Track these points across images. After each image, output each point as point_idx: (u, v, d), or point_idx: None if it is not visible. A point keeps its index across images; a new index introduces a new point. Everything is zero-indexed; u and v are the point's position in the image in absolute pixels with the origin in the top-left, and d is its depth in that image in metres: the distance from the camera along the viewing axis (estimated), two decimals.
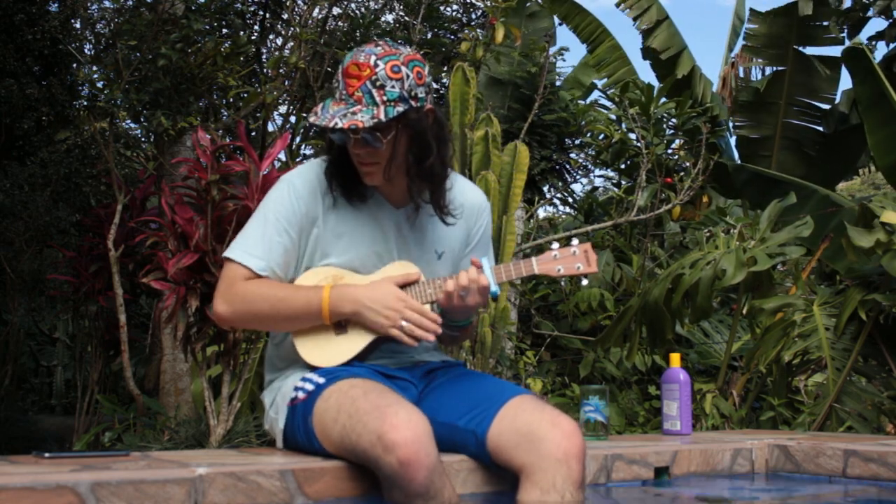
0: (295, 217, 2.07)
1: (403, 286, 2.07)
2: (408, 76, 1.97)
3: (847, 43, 6.09)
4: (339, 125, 1.93)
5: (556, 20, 7.48)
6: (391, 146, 1.99)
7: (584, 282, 2.20)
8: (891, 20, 6.01)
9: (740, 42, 6.94)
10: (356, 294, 2.01)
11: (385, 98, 1.95)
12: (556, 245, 2.13)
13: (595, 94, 7.89)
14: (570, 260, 2.11)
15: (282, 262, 2.07)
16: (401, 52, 2.00)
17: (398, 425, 1.72)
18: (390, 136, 1.98)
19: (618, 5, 6.85)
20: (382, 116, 1.94)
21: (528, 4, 7.55)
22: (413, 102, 1.98)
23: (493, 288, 2.05)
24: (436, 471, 1.74)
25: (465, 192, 2.24)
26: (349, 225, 2.10)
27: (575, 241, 2.15)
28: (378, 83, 1.95)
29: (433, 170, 2.05)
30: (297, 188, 2.09)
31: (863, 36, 6.85)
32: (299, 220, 2.08)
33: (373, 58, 1.97)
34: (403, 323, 1.99)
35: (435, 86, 6.78)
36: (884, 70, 6.05)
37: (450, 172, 2.14)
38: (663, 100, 5.83)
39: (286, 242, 2.07)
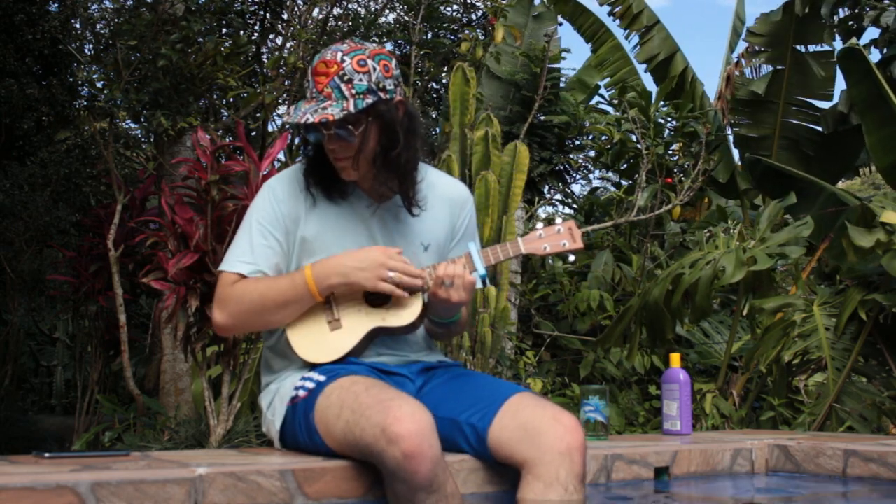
0: (278, 220, 2.11)
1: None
2: (374, 69, 2.02)
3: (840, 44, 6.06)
4: (311, 120, 1.97)
5: (559, 21, 7.47)
6: (361, 138, 2.03)
7: (571, 258, 2.24)
8: (882, 28, 6.01)
9: (741, 42, 6.93)
10: (339, 261, 2.04)
11: (353, 91, 1.99)
12: (540, 225, 2.18)
13: (595, 97, 7.88)
14: (555, 237, 2.15)
15: (271, 265, 2.10)
16: (366, 47, 2.06)
17: (402, 418, 1.73)
18: (361, 129, 2.02)
19: (610, 14, 6.85)
20: (352, 108, 1.98)
21: (536, 3, 7.54)
22: (382, 94, 2.02)
23: (482, 271, 2.07)
24: (439, 464, 1.74)
25: (445, 184, 2.27)
26: (333, 222, 2.13)
27: (558, 220, 2.18)
28: (346, 77, 1.99)
29: (399, 160, 2.08)
30: (276, 192, 2.13)
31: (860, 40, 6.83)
32: (283, 223, 2.11)
33: (339, 54, 2.02)
34: (391, 274, 2.01)
35: (435, 86, 6.80)
36: (881, 72, 6.05)
37: (420, 165, 2.17)
38: (662, 104, 5.83)
39: (273, 245, 2.10)
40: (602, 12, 7.02)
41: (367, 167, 2.08)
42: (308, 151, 2.13)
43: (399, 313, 2.10)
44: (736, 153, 6.75)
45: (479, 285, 2.11)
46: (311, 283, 2.03)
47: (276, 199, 2.12)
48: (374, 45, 2.09)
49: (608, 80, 7.11)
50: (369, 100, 2.00)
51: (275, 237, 2.10)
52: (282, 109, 5.32)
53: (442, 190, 2.24)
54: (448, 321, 2.18)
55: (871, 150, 5.23)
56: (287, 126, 2.14)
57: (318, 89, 2.01)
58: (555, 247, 2.15)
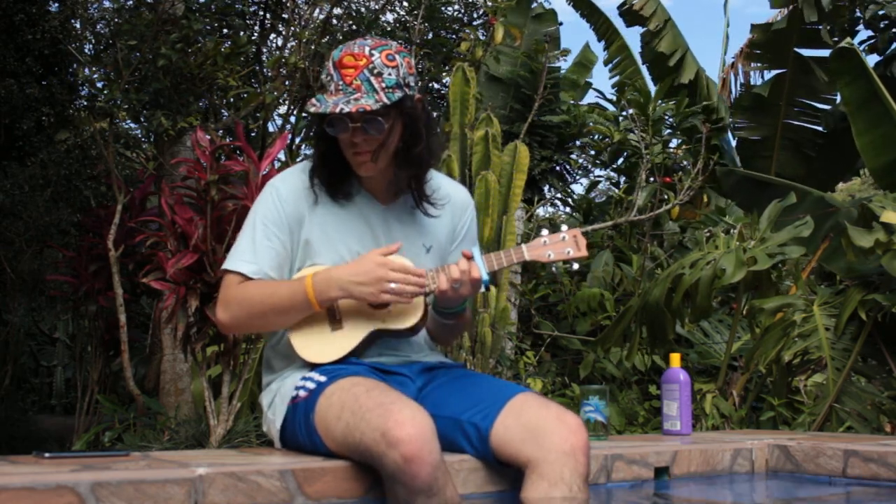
0: (281, 220, 2.11)
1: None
2: (401, 64, 2.04)
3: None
4: (346, 110, 1.96)
5: (559, 21, 7.48)
6: (388, 133, 2.04)
7: (576, 266, 2.24)
8: (878, 31, 6.03)
9: (737, 45, 6.97)
10: (339, 275, 2.03)
11: (383, 85, 2.00)
12: (545, 231, 2.17)
13: (592, 97, 7.91)
14: (560, 245, 2.14)
15: (274, 265, 2.10)
16: (390, 43, 2.09)
17: (402, 422, 1.73)
18: (388, 123, 2.03)
19: (619, 8, 6.84)
20: (386, 100, 1.99)
21: (533, 5, 7.54)
22: (407, 90, 2.04)
23: (485, 277, 2.07)
24: (439, 468, 1.75)
25: (449, 187, 2.29)
26: (336, 223, 2.13)
27: (564, 227, 2.18)
28: (375, 71, 2.00)
29: (420, 157, 2.10)
30: (280, 192, 2.13)
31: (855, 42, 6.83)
32: (287, 223, 2.11)
33: (367, 48, 2.03)
34: (392, 285, 2.00)
35: (435, 86, 6.79)
36: (880, 73, 6.06)
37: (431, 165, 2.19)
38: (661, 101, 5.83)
39: (276, 246, 2.10)
40: (612, 12, 7.03)
41: (386, 163, 2.09)
42: (321, 148, 2.12)
43: (400, 317, 2.11)
44: (738, 155, 6.76)
45: (482, 289, 2.12)
46: (311, 295, 2.03)
47: (280, 199, 2.12)
48: (396, 42, 2.12)
49: (616, 79, 7.11)
50: (398, 94, 2.01)
51: (278, 237, 2.10)
52: (282, 109, 5.32)
53: (445, 192, 2.25)
54: (457, 310, 2.19)
55: (863, 150, 5.23)
56: (314, 117, 2.12)
57: (345, 81, 2.01)
58: (559, 254, 2.14)
